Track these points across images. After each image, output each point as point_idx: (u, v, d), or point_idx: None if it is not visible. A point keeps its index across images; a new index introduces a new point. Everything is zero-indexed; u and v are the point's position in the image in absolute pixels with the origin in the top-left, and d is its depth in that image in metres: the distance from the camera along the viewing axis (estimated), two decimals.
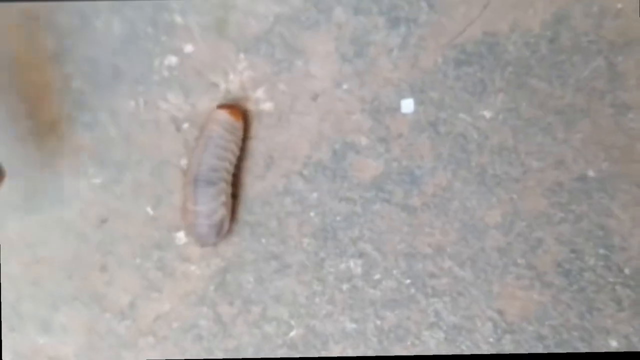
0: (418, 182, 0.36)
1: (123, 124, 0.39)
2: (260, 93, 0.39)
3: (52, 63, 0.40)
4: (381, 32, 0.36)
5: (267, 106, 0.39)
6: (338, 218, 0.36)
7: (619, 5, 0.36)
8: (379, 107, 0.36)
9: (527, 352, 0.34)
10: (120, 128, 0.39)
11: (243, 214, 0.36)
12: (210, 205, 0.32)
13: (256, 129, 0.39)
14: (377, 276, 0.35)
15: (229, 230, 0.35)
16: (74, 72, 0.40)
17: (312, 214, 0.36)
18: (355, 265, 0.35)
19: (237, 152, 0.34)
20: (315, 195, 0.36)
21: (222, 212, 0.33)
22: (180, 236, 0.38)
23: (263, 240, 0.35)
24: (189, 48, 0.39)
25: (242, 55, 0.39)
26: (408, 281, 0.35)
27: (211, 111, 0.35)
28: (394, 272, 0.35)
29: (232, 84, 0.39)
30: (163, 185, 0.39)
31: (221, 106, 0.35)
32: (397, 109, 0.36)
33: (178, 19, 0.39)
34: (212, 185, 0.33)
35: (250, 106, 0.38)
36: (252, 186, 0.36)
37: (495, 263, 0.35)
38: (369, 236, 0.35)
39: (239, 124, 0.34)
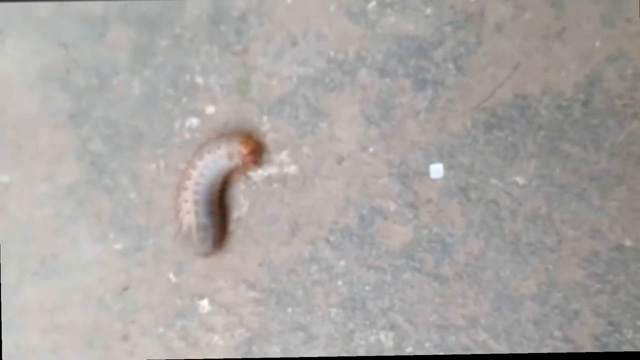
0: (449, 251, 0.36)
1: (144, 187, 0.40)
2: (284, 156, 0.40)
3: (70, 124, 0.41)
4: (407, 95, 0.37)
5: (292, 169, 0.39)
6: (367, 287, 0.36)
7: None
8: (406, 171, 0.37)
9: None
10: (141, 192, 0.40)
11: (269, 282, 0.36)
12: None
13: (281, 192, 0.39)
14: (409, 349, 0.35)
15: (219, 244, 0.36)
16: (92, 134, 0.40)
17: (339, 282, 0.36)
18: (386, 338, 0.35)
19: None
20: (342, 263, 0.37)
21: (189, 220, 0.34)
22: (204, 304, 0.38)
23: (289, 310, 0.35)
24: (210, 109, 0.40)
25: (265, 117, 0.40)
26: (441, 354, 0.35)
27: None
28: (426, 344, 0.35)
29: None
30: (184, 251, 0.39)
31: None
32: (426, 173, 0.36)
33: (199, 79, 0.40)
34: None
35: (274, 170, 0.39)
36: (277, 253, 0.37)
37: (531, 335, 0.35)
38: (400, 307, 0.35)
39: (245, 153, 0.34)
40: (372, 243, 0.36)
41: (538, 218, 0.36)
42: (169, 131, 0.40)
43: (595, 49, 0.36)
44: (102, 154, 0.40)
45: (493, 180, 0.36)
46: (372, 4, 0.39)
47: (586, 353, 0.35)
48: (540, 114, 0.36)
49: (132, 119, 0.40)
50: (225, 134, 0.35)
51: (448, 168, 0.36)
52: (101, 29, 0.40)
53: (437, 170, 0.36)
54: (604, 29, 0.37)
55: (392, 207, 0.36)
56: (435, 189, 0.36)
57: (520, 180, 0.36)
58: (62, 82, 0.40)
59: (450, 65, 0.36)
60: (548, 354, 0.36)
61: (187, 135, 0.40)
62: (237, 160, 0.34)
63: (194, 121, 0.40)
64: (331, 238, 0.37)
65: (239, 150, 0.34)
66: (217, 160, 0.34)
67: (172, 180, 0.39)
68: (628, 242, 0.36)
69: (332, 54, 0.39)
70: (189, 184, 0.34)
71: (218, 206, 0.36)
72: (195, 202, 0.34)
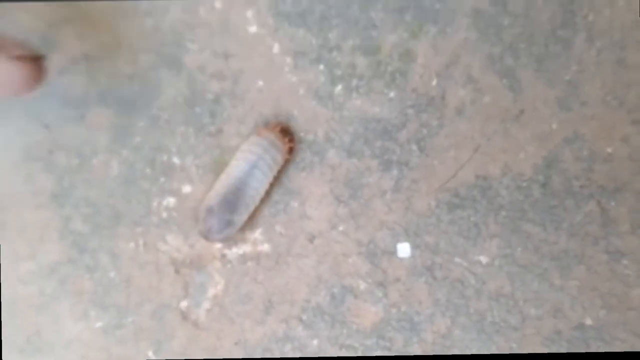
0: (417, 329, 0.41)
1: (123, 266, 0.45)
2: (258, 234, 0.45)
3: (53, 204, 0.46)
4: (374, 175, 0.42)
5: (265, 248, 0.44)
6: None
7: (609, 150, 0.41)
8: (375, 250, 0.42)
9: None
10: (120, 271, 0.45)
11: None
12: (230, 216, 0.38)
13: (255, 271, 0.44)
14: None
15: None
16: (73, 214, 0.45)
17: None
18: None
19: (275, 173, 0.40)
20: (315, 342, 0.41)
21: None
22: None
23: None
24: (187, 189, 0.45)
25: None
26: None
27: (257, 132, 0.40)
28: None
29: None
30: (163, 330, 0.44)
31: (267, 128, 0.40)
32: (394, 252, 0.42)
33: (176, 160, 0.45)
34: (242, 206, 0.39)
35: (248, 248, 0.44)
36: (252, 331, 0.41)
37: None
38: None
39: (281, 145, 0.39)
40: (343, 322, 0.41)
41: (502, 297, 0.41)
42: (147, 210, 0.45)
43: (552, 131, 0.42)
44: (83, 233, 0.45)
45: (457, 260, 0.41)
46: (339, 88, 0.44)
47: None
48: (501, 195, 0.41)
49: (111, 199, 0.45)
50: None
51: (414, 247, 0.42)
52: (82, 110, 0.45)
53: (404, 249, 0.41)
54: (560, 112, 0.42)
55: (362, 285, 0.42)
56: (403, 267, 0.42)
57: (483, 259, 0.41)
58: (45, 162, 0.45)
59: (414, 147, 0.42)
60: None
61: (165, 214, 0.45)
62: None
63: (171, 200, 0.45)
64: (304, 317, 0.42)
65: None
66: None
67: (150, 258, 0.44)
68: (588, 321, 0.40)
69: (302, 135, 0.44)
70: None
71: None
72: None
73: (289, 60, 0.43)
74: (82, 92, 0.45)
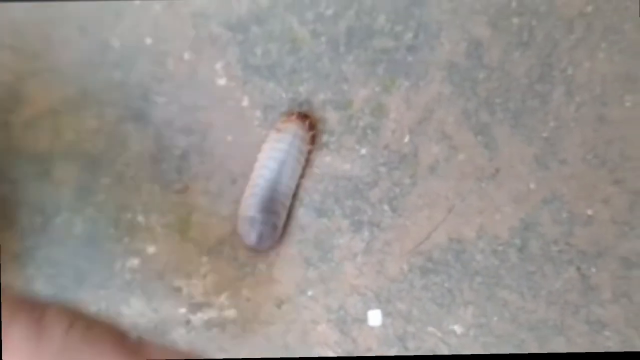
0: None
1: None
2: (223, 299, 0.53)
3: (15, 264, 0.56)
4: (345, 236, 0.48)
5: (231, 313, 0.53)
6: None
7: (589, 212, 0.47)
8: (345, 317, 0.47)
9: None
10: None
11: None
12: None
13: (220, 338, 0.52)
14: None
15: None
16: (36, 274, 0.55)
17: None
18: None
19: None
20: None
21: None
22: None
23: None
24: (151, 249, 0.54)
25: (204, 258, 0.53)
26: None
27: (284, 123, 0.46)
28: None
29: (195, 288, 0.53)
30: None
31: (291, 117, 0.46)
32: (364, 320, 0.47)
33: (140, 218, 0.54)
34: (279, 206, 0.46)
35: (214, 313, 0.52)
36: None
37: None
38: None
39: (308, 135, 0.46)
40: None
41: None
42: (110, 272, 0.54)
43: (529, 191, 0.47)
44: (46, 295, 0.55)
45: (431, 329, 0.46)
46: None
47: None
48: (476, 259, 0.47)
49: (74, 259, 0.54)
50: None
51: (386, 315, 0.47)
52: (47, 166, 0.55)
53: (375, 317, 0.47)
54: (538, 171, 0.47)
55: (331, 356, 0.47)
56: (374, 337, 0.47)
57: (457, 329, 0.46)
58: (9, 220, 0.55)
59: (386, 207, 0.48)
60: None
61: (128, 276, 0.53)
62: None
63: (135, 261, 0.54)
64: None
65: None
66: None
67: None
68: None
69: None
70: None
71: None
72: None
73: (258, 114, 0.48)
74: (47, 147, 0.55)
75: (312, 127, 0.48)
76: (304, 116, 0.48)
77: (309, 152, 0.48)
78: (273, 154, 0.46)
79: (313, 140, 0.48)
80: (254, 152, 0.49)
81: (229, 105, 0.51)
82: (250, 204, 0.46)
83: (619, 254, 0.48)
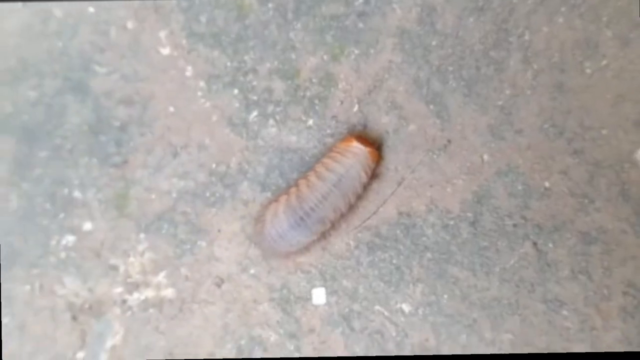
0: None
1: (17, 311, 0.63)
2: (161, 277, 0.57)
3: None
4: None
5: (169, 293, 0.61)
6: None
7: (546, 184, 0.53)
8: (288, 296, 0.53)
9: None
10: (15, 316, 0.63)
11: None
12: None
13: (157, 319, 0.54)
14: None
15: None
16: None
17: None
18: None
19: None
20: None
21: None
22: None
23: None
24: (87, 226, 0.63)
25: (142, 235, 0.61)
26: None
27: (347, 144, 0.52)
28: None
29: (133, 266, 0.62)
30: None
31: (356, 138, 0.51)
32: (308, 299, 0.53)
33: (77, 193, 0.64)
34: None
35: (151, 293, 0.62)
36: None
37: None
38: None
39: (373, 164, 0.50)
40: None
41: (425, 351, 0.51)
42: (45, 249, 0.63)
43: (483, 163, 0.53)
44: None
45: (377, 307, 0.52)
46: (254, 114, 0.56)
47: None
48: (426, 234, 0.53)
49: (8, 236, 0.64)
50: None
51: (331, 293, 0.53)
52: None
53: (319, 295, 0.53)
54: (493, 142, 0.53)
55: (273, 337, 0.53)
56: (318, 316, 0.53)
57: (406, 307, 0.52)
58: None
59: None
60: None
61: (63, 254, 0.62)
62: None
63: (70, 238, 0.62)
64: None
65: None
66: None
67: (46, 303, 0.62)
68: None
69: (213, 166, 0.64)
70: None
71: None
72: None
73: (202, 84, 0.56)
74: None
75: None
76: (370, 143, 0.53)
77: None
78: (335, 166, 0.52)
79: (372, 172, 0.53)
80: (196, 124, 0.60)
81: (171, 75, 0.60)
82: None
83: (578, 229, 0.52)
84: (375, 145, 0.54)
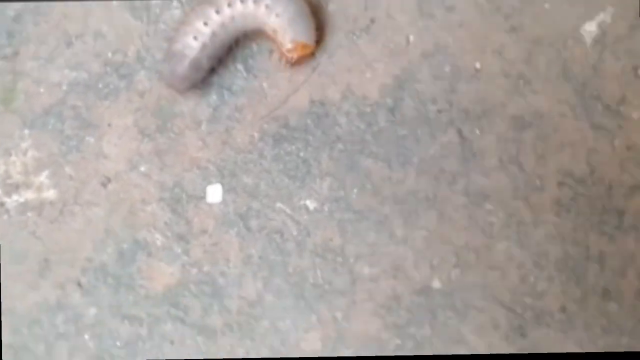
0: (221, 295, 0.51)
1: None
2: (44, 178, 0.62)
3: None
4: (189, 102, 0.55)
5: (51, 194, 0.62)
6: (118, 343, 0.53)
7: (477, 65, 0.53)
8: (180, 195, 0.53)
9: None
10: None
11: (9, 335, 0.52)
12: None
13: (35, 223, 0.60)
14: None
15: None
16: None
17: (86, 336, 0.53)
18: None
19: None
20: (92, 311, 0.53)
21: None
22: None
23: None
24: None
25: (27, 132, 0.63)
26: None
27: None
28: None
29: (14, 166, 0.64)
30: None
31: None
32: (202, 197, 0.53)
33: None
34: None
35: (31, 195, 0.64)
36: (22, 299, 0.53)
37: None
38: None
39: None
40: (130, 286, 0.52)
41: (329, 252, 0.51)
42: None
43: (408, 44, 0.53)
44: None
45: (279, 205, 0.52)
46: None
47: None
48: (339, 123, 0.53)
49: None
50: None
51: (228, 190, 0.53)
52: None
53: (214, 192, 0.53)
54: (420, 20, 0.53)
55: (159, 240, 0.53)
56: (212, 216, 0.53)
57: (310, 204, 0.52)
58: None
59: (240, 66, 0.55)
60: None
61: None
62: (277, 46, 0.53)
63: None
64: (83, 280, 0.53)
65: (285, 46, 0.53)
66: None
67: None
68: (436, 284, 0.50)
69: (109, 55, 0.66)
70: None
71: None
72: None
73: None
74: None
75: None
76: None
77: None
78: None
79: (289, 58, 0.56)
80: (95, 9, 0.63)
81: None
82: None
83: (509, 113, 0.52)
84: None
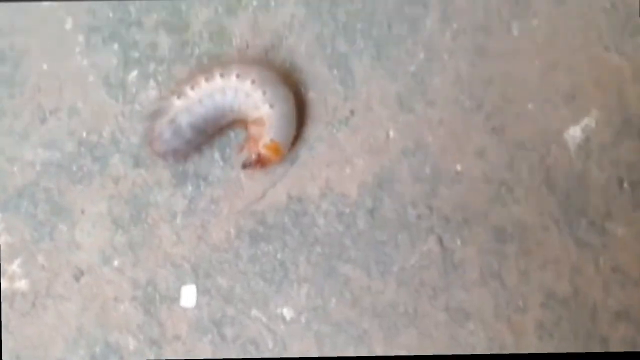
0: None
1: None
2: (16, 266, 0.61)
3: None
4: (165, 191, 0.56)
5: (23, 285, 0.64)
6: None
7: (458, 167, 0.53)
8: (154, 294, 0.53)
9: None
10: None
11: None
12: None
13: (7, 316, 0.52)
14: None
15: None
16: None
17: None
18: None
19: None
20: None
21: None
22: None
23: None
24: None
25: None
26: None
27: None
28: None
29: None
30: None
31: None
32: (176, 298, 0.53)
33: None
34: None
35: (4, 284, 0.66)
36: None
37: None
38: None
39: None
40: None
41: None
42: None
43: (388, 139, 0.54)
44: None
45: (254, 312, 0.52)
46: (134, 74, 0.60)
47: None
48: (317, 224, 0.53)
49: None
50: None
51: (203, 292, 0.53)
52: None
53: (189, 295, 0.53)
54: (401, 114, 0.54)
55: (132, 344, 0.54)
56: (185, 320, 0.54)
57: (287, 313, 0.52)
58: None
59: (217, 155, 0.56)
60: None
61: None
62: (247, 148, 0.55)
63: None
64: None
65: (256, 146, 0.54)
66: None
67: None
68: None
69: (84, 134, 0.68)
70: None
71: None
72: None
73: (81, 38, 0.57)
74: None
75: None
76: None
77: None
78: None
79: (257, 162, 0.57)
80: (70, 84, 0.65)
81: (50, 28, 0.64)
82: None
83: (491, 223, 0.52)
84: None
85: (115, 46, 0.60)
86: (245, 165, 0.56)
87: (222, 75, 0.56)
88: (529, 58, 0.57)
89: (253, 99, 0.56)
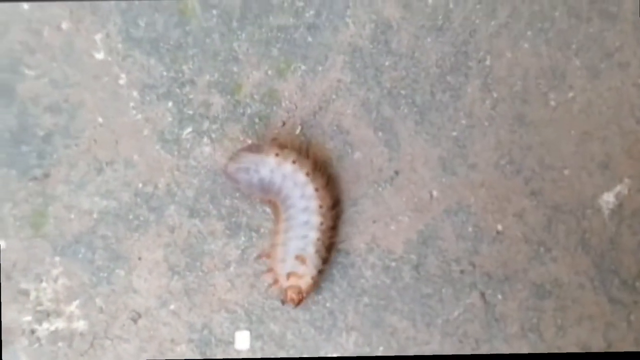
0: None
1: None
2: (74, 307, 0.57)
3: None
4: (218, 241, 0.57)
5: (81, 325, 0.60)
6: None
7: (499, 227, 0.55)
8: (209, 338, 0.55)
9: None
10: None
11: None
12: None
13: (66, 354, 0.54)
14: None
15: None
16: None
17: None
18: None
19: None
20: None
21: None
22: None
23: None
24: (1, 244, 0.69)
25: (57, 259, 0.57)
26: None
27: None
28: None
29: (44, 293, 0.67)
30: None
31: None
32: (231, 342, 0.55)
33: None
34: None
35: (62, 324, 0.67)
36: None
37: None
38: None
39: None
40: None
41: None
42: None
43: (431, 199, 0.56)
44: None
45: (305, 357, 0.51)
46: (188, 130, 0.56)
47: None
48: (365, 276, 0.55)
49: None
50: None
51: (256, 337, 0.55)
52: None
53: (243, 339, 0.55)
54: (443, 176, 0.56)
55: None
56: None
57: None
58: None
59: (268, 209, 0.57)
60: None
61: None
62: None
63: None
64: None
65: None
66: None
67: None
68: None
69: (140, 186, 0.61)
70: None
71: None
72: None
73: (135, 94, 0.59)
74: None
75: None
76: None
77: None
78: None
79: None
80: (125, 138, 0.65)
81: (104, 82, 0.64)
82: None
83: (531, 280, 0.54)
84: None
85: (170, 103, 0.59)
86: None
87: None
88: (565, 127, 0.59)
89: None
